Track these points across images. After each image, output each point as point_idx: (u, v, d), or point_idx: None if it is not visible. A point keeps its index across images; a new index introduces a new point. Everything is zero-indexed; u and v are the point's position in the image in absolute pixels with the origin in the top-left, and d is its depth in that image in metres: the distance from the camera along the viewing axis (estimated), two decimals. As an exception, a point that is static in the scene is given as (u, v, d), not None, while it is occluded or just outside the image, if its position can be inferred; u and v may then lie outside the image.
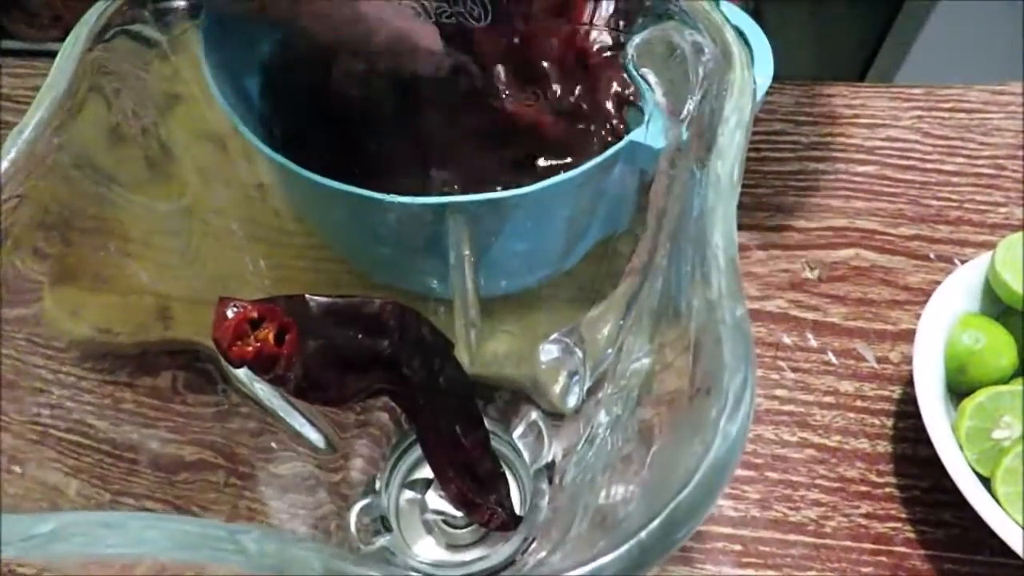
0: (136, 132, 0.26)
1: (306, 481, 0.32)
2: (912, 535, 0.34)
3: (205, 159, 0.30)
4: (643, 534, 0.12)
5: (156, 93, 0.27)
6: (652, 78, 0.20)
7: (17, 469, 0.22)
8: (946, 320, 0.36)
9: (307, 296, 0.21)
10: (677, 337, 0.19)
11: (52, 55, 0.21)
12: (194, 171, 0.29)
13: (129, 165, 0.27)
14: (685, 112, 0.19)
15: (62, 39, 0.21)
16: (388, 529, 0.31)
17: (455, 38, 0.26)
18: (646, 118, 0.23)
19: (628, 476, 0.22)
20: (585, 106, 0.28)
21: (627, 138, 0.25)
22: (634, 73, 0.21)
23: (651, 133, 0.24)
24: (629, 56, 0.20)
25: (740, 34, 0.34)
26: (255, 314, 0.19)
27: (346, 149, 0.30)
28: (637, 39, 0.20)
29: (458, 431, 0.27)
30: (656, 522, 0.12)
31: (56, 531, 0.12)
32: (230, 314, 0.19)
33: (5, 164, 0.17)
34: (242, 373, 0.29)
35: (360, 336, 0.22)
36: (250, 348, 0.19)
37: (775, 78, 0.35)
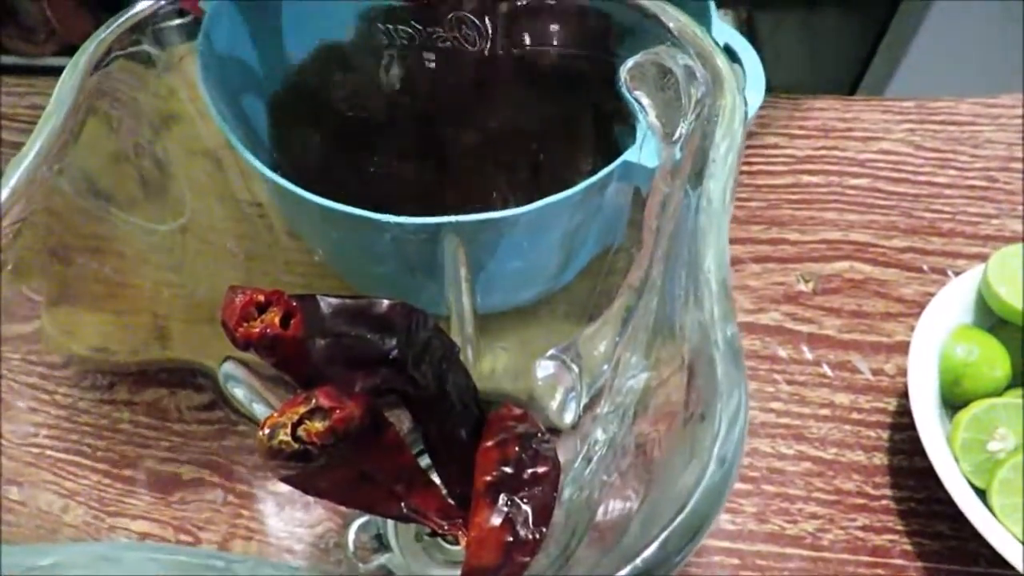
0: (132, 152, 0.27)
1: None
2: (909, 547, 0.34)
3: (201, 178, 0.30)
4: (639, 560, 0.12)
5: (152, 112, 0.27)
6: (645, 100, 0.21)
7: (15, 492, 0.22)
8: (940, 332, 0.36)
9: (317, 295, 0.21)
10: (672, 355, 0.19)
11: (49, 71, 0.21)
12: (190, 190, 0.29)
13: (126, 185, 0.27)
14: (678, 134, 0.20)
15: (58, 54, 0.22)
16: (386, 547, 0.31)
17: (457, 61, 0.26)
18: (640, 139, 0.23)
19: (626, 493, 0.22)
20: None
21: (621, 158, 0.25)
22: (627, 95, 0.21)
23: (645, 153, 0.24)
24: (622, 79, 0.21)
25: (732, 52, 0.34)
26: (261, 298, 0.20)
27: (348, 171, 0.30)
28: (630, 62, 0.20)
29: (463, 436, 0.27)
30: (654, 545, 0.12)
31: (57, 564, 0.12)
32: (238, 299, 0.20)
33: (6, 192, 0.17)
34: (240, 393, 0.29)
35: (368, 335, 0.22)
36: (256, 329, 0.20)
37: (768, 91, 0.35)
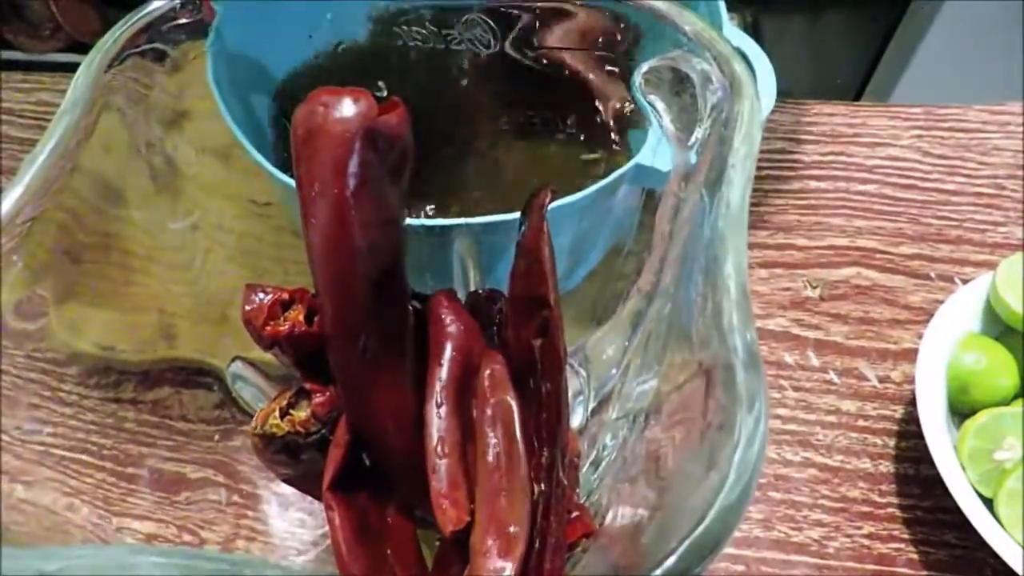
0: (144, 148, 0.27)
1: (307, 499, 0.32)
2: (915, 556, 0.34)
3: (211, 176, 0.30)
4: (659, 571, 0.12)
5: (163, 110, 0.27)
6: (660, 104, 0.20)
7: (20, 490, 0.21)
8: (948, 340, 0.36)
9: None
10: (686, 360, 0.19)
11: (54, 67, 0.21)
12: (200, 188, 0.29)
13: (136, 182, 0.27)
14: (693, 139, 0.20)
15: (63, 50, 0.22)
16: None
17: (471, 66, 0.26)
18: (653, 142, 0.23)
19: (636, 499, 0.22)
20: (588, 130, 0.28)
21: (633, 160, 0.25)
22: (641, 99, 0.21)
23: (658, 156, 0.24)
24: (636, 83, 0.21)
25: (743, 57, 0.34)
26: (286, 296, 0.20)
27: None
28: (645, 66, 0.20)
29: None
30: (672, 559, 0.12)
31: (63, 568, 0.12)
32: (261, 297, 0.20)
33: (20, 190, 0.17)
34: (248, 394, 0.29)
35: None
36: (283, 328, 0.20)
37: (776, 94, 0.35)
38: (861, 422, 0.38)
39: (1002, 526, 0.31)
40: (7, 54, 0.95)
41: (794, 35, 1.03)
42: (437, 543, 0.23)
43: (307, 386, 0.21)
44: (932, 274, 0.43)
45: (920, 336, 0.36)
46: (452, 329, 0.22)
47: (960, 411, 0.36)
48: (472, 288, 0.28)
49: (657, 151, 0.24)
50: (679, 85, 0.20)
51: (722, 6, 0.34)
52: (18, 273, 0.19)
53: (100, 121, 0.23)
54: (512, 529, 0.18)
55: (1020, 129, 0.49)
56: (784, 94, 0.50)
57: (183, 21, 0.25)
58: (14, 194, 0.17)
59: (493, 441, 0.20)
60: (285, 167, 0.27)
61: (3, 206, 0.18)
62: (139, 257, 0.28)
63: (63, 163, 0.19)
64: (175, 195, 0.28)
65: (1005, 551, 0.30)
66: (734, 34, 0.35)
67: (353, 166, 0.17)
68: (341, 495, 0.21)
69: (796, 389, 0.39)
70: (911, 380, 0.37)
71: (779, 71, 0.36)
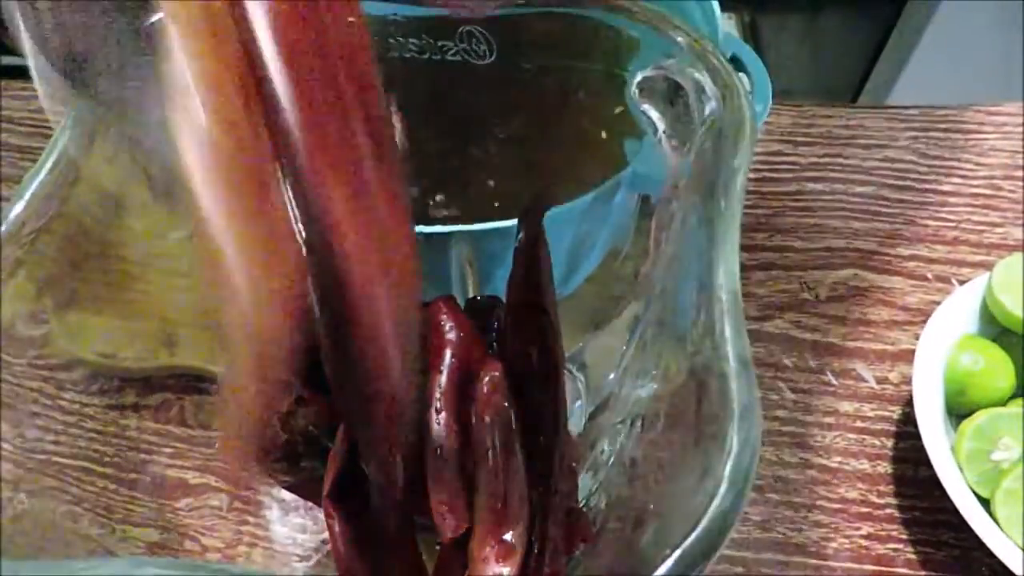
0: (141, 154, 0.27)
1: (307, 504, 0.32)
2: (913, 556, 0.34)
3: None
4: (653, 577, 0.12)
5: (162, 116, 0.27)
6: (654, 113, 0.21)
7: (22, 499, 0.22)
8: (945, 341, 0.36)
9: None
10: (682, 367, 0.19)
11: None
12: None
13: (136, 190, 0.27)
14: (687, 147, 0.20)
15: None
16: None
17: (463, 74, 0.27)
18: (648, 149, 0.23)
19: (633, 504, 0.22)
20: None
21: (629, 167, 0.25)
22: (636, 108, 0.21)
23: (653, 164, 0.24)
24: (631, 92, 0.21)
25: (738, 62, 0.34)
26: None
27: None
28: (639, 75, 0.21)
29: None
30: (668, 564, 0.12)
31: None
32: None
33: (22, 205, 0.17)
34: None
35: None
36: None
37: (772, 96, 0.35)
38: (859, 423, 0.38)
39: (999, 526, 0.31)
40: (7, 59, 0.95)
41: (791, 35, 1.03)
42: (437, 549, 0.23)
43: (305, 395, 0.21)
44: (929, 275, 0.43)
45: (917, 337, 0.36)
46: (452, 336, 0.22)
47: (957, 412, 0.36)
48: (470, 295, 0.28)
49: (652, 158, 0.24)
50: (673, 94, 0.20)
51: (716, 7, 0.34)
52: (21, 283, 0.20)
53: (100, 131, 0.23)
54: (510, 535, 0.18)
55: (1017, 130, 0.49)
56: (782, 93, 0.51)
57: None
58: (18, 207, 0.18)
59: (492, 448, 0.20)
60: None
61: (8, 217, 0.18)
62: (139, 265, 0.28)
63: (66, 176, 0.19)
64: (174, 203, 0.28)
65: (1002, 551, 0.30)
66: (729, 39, 0.35)
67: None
68: (341, 503, 0.21)
69: (794, 391, 0.39)
70: (908, 381, 0.37)
71: (776, 71, 0.36)
